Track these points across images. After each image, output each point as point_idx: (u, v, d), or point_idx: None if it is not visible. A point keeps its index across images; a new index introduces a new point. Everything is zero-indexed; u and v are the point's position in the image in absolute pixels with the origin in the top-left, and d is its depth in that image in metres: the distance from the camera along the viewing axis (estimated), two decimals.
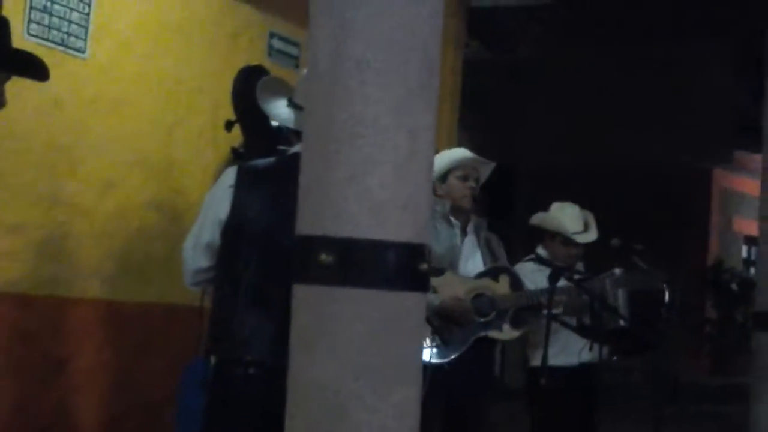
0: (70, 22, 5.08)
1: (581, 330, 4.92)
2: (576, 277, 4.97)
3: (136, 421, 5.41)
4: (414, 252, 2.33)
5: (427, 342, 4.38)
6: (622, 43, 9.64)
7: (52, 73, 3.45)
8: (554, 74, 10.16)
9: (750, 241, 15.18)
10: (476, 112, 9.12)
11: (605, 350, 4.87)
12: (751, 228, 12.66)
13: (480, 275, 4.73)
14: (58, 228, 5.07)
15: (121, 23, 5.36)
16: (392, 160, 2.32)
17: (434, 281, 4.35)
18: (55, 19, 5.01)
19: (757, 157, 7.93)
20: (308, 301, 2.34)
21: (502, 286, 4.70)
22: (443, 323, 4.52)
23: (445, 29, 2.55)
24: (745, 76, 8.47)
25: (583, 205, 5.55)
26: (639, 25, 9.20)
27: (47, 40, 4.96)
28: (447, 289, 4.53)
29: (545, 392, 4.75)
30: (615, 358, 5.21)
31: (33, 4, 4.89)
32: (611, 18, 9.30)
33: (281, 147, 3.52)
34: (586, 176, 12.63)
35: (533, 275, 5.11)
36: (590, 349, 4.72)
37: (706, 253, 14.67)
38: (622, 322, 4.89)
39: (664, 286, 4.47)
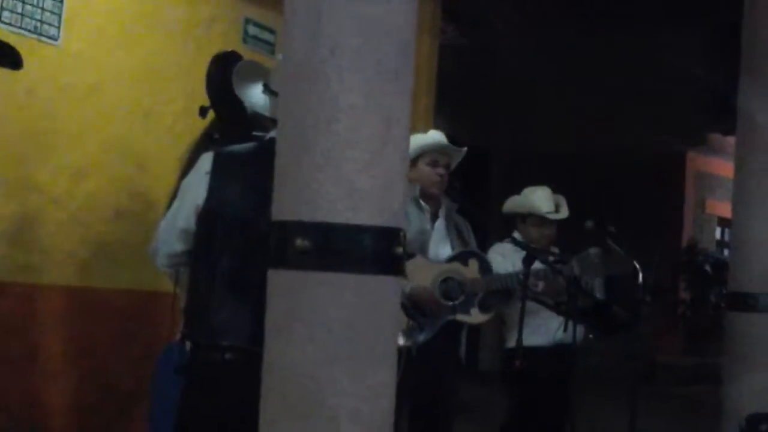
0: (43, 9, 5.04)
1: (558, 308, 4.97)
2: (551, 259, 5.01)
3: (112, 407, 5.40)
4: (390, 236, 2.34)
5: (403, 326, 4.38)
6: (597, 27, 9.67)
7: (26, 60, 3.43)
8: (529, 59, 10.18)
9: (723, 222, 15.29)
10: (452, 97, 9.12)
11: (581, 330, 4.91)
12: (725, 210, 12.77)
13: (449, 259, 4.74)
14: (32, 215, 5.05)
15: (94, 10, 5.32)
16: (367, 145, 2.33)
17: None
18: (28, 7, 4.97)
19: (731, 140, 7.99)
20: (284, 286, 2.34)
21: (472, 270, 4.72)
22: (415, 309, 4.53)
23: (420, 15, 2.56)
24: (719, 58, 8.51)
25: (559, 188, 5.62)
26: (614, 10, 9.23)
27: (20, 27, 4.93)
28: (417, 273, 4.48)
29: (521, 374, 4.78)
30: (591, 336, 5.26)
31: None
32: (586, 3, 9.33)
33: (257, 133, 3.51)
34: (562, 160, 12.68)
35: (512, 255, 5.15)
36: (564, 329, 4.76)
37: (680, 234, 14.77)
38: (598, 295, 4.98)
39: (637, 267, 4.50)
